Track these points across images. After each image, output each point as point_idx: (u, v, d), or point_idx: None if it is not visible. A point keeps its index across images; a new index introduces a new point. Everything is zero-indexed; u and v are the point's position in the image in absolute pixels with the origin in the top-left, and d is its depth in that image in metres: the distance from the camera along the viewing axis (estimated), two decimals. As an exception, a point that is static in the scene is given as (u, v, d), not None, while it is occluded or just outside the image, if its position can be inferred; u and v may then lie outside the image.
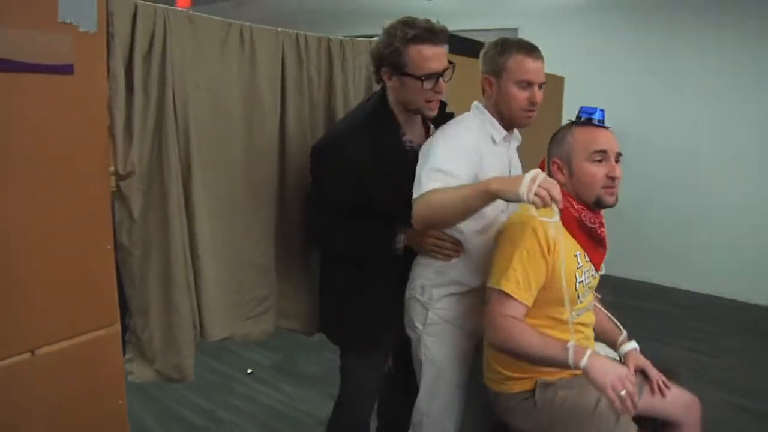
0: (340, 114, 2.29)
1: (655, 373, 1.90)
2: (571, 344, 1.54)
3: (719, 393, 3.55)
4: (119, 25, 1.62)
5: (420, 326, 2.00)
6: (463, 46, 5.97)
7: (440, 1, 5.85)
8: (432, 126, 2.03)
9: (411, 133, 1.99)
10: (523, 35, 6.25)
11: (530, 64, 1.85)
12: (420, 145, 1.89)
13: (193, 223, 1.88)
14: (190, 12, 1.81)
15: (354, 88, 2.37)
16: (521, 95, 1.87)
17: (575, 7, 5.92)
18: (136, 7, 1.66)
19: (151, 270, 1.83)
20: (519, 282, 1.63)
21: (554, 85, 3.94)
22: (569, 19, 5.93)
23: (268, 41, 2.06)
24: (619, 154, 1.76)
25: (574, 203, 1.77)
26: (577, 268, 1.76)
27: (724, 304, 5.22)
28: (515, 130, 2.03)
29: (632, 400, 1.47)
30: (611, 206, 1.78)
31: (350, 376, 2.20)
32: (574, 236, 1.76)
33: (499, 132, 1.94)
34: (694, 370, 3.61)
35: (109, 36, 1.61)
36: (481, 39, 6.94)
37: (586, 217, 1.77)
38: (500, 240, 1.76)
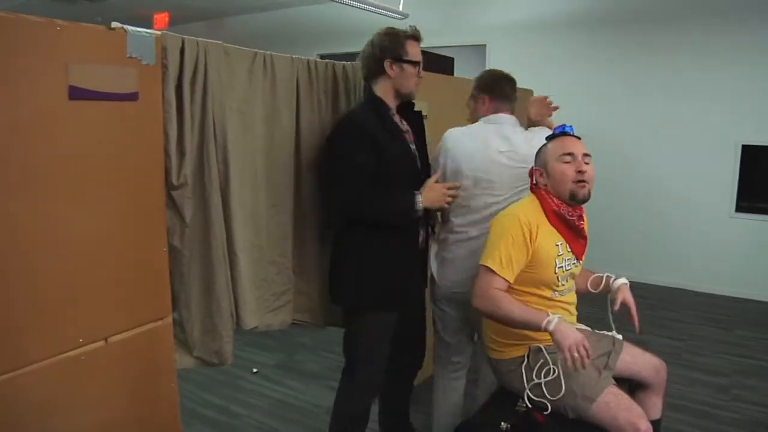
0: (346, 130, 2.61)
1: (634, 311, 2.25)
2: (547, 316, 1.90)
3: (688, 372, 3.98)
4: (171, 58, 1.90)
5: None
6: (433, 60, 6.33)
7: (411, 20, 6.19)
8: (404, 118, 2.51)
9: (396, 119, 2.45)
10: (492, 51, 6.70)
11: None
12: (405, 129, 2.47)
13: (230, 227, 2.16)
14: (225, 44, 2.09)
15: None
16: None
17: (540, 23, 6.37)
18: (183, 41, 1.94)
19: (196, 268, 2.10)
20: (502, 261, 2.01)
21: (523, 98, 4.25)
22: (535, 34, 6.38)
23: (285, 67, 2.36)
24: (585, 155, 2.13)
25: (554, 199, 2.12)
26: (558, 256, 2.11)
27: (689, 294, 5.75)
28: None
29: (582, 361, 1.82)
30: (585, 200, 2.13)
31: (359, 338, 2.45)
32: (555, 227, 2.11)
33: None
34: (667, 354, 3.99)
35: (164, 67, 1.89)
36: (451, 55, 7.31)
37: (564, 210, 2.11)
38: (492, 227, 2.12)
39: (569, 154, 2.10)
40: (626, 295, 2.27)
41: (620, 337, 2.29)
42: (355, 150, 2.23)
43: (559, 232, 2.11)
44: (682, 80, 5.75)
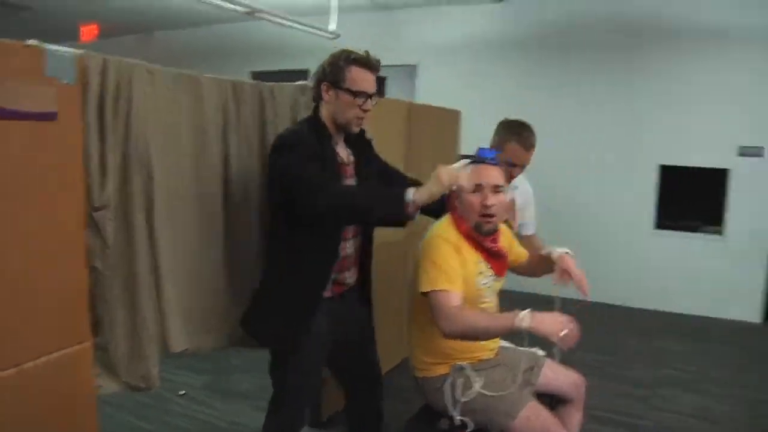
0: (271, 152, 2.60)
1: (577, 273, 2.24)
2: (516, 315, 1.85)
3: (612, 384, 4.13)
4: (92, 77, 1.88)
5: None
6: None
7: (342, 39, 6.23)
8: (351, 150, 2.33)
9: (339, 147, 2.28)
10: (422, 71, 6.82)
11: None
12: (344, 160, 2.25)
13: (156, 248, 2.13)
14: (149, 65, 2.08)
15: (282, 127, 2.66)
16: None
17: (470, 44, 6.56)
18: (104, 61, 1.92)
19: (120, 290, 2.06)
20: (450, 277, 2.01)
21: (451, 119, 4.36)
22: (465, 55, 6.54)
23: (211, 88, 2.35)
24: (496, 186, 2.13)
25: (465, 224, 2.16)
26: (479, 273, 2.16)
27: (614, 309, 5.99)
28: None
29: (570, 336, 1.78)
30: (490, 233, 2.16)
31: (281, 374, 2.32)
32: (472, 246, 2.16)
33: None
34: (593, 368, 4.14)
35: (84, 87, 1.86)
36: (382, 74, 7.38)
37: (474, 235, 2.16)
38: (422, 256, 2.12)
39: (478, 185, 2.11)
40: (567, 263, 2.24)
41: (543, 353, 2.37)
42: (305, 155, 2.07)
43: (478, 253, 2.17)
44: (605, 103, 6.02)
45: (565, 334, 1.76)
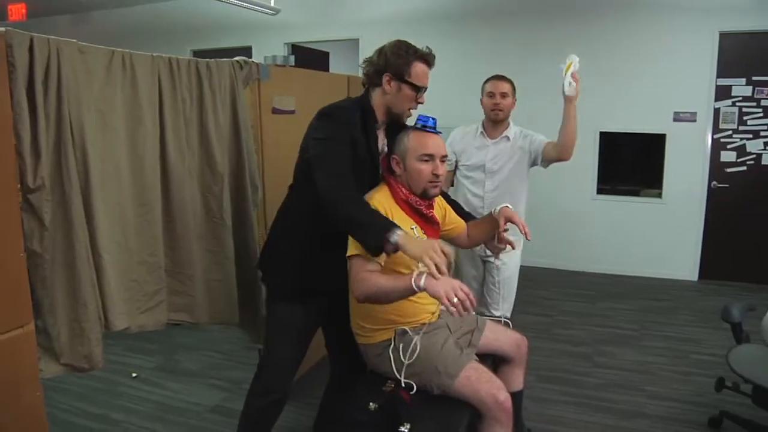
0: (212, 128, 2.59)
1: (519, 221, 2.31)
2: (414, 273, 1.87)
3: (555, 344, 4.30)
4: (18, 56, 1.84)
5: None
6: (308, 55, 6.38)
7: (284, 15, 6.18)
8: (387, 141, 2.38)
9: (380, 133, 2.35)
10: (364, 45, 6.82)
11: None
12: (376, 145, 2.31)
13: (93, 228, 2.12)
14: (79, 43, 2.04)
15: (221, 103, 2.66)
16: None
17: (412, 16, 6.57)
18: (32, 39, 1.88)
19: (60, 272, 2.04)
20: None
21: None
22: (408, 28, 6.52)
23: (145, 65, 2.32)
24: (444, 156, 2.22)
25: (403, 189, 2.21)
26: (414, 238, 2.19)
27: (558, 273, 6.20)
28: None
29: (464, 305, 1.76)
30: (434, 197, 2.25)
31: (268, 328, 2.44)
32: (406, 213, 2.20)
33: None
34: (538, 329, 4.28)
35: (11, 66, 1.82)
36: (325, 49, 7.35)
37: (413, 200, 2.21)
38: None
39: (429, 155, 2.17)
40: (508, 213, 2.34)
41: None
42: (339, 138, 2.12)
43: (411, 218, 2.21)
44: (545, 72, 6.11)
45: (456, 302, 1.76)
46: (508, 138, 3.38)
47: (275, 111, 3.08)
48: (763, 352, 2.84)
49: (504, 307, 3.46)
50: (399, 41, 2.27)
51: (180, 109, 2.49)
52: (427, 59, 2.26)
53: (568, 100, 3.04)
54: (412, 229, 2.19)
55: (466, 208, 3.03)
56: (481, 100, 3.43)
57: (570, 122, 3.10)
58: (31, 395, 1.98)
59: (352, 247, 2.07)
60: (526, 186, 3.45)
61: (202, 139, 2.57)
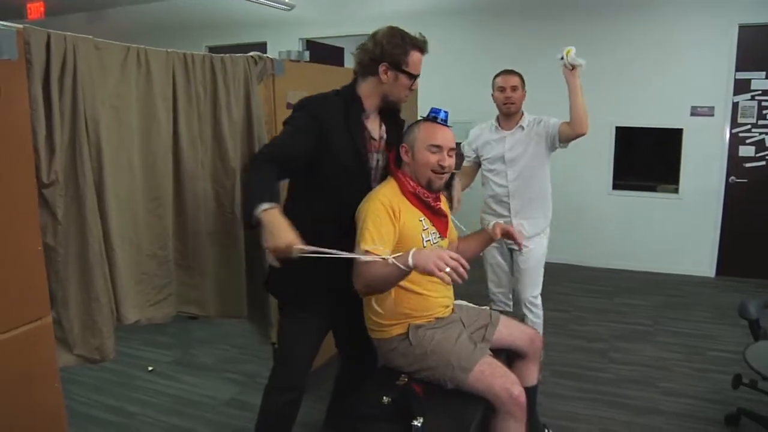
0: (225, 123, 2.59)
1: (515, 232, 2.43)
2: (397, 255, 1.91)
3: (571, 340, 4.29)
4: (36, 53, 1.86)
5: None
6: (322, 51, 6.38)
7: (298, 10, 6.19)
8: (386, 127, 2.38)
9: (371, 121, 2.34)
10: (378, 41, 6.76)
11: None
12: (373, 136, 2.31)
13: (106, 222, 2.13)
14: (95, 39, 2.06)
15: (235, 98, 2.66)
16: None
17: (423, 11, 6.53)
18: (48, 36, 1.89)
19: (73, 265, 2.06)
20: (374, 239, 2.05)
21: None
22: (418, 22, 6.45)
23: (160, 61, 2.33)
24: (452, 149, 2.24)
25: (410, 182, 2.23)
26: (423, 230, 2.22)
27: (575, 269, 6.16)
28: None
29: (458, 272, 1.78)
30: (439, 189, 2.27)
31: (282, 333, 2.42)
32: (414, 206, 2.22)
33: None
34: (554, 325, 4.26)
35: (28, 63, 1.84)
36: (339, 45, 7.36)
37: (420, 192, 2.22)
38: (358, 214, 2.16)
39: (437, 146, 2.20)
40: (502, 226, 2.44)
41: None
42: (293, 128, 2.16)
43: (420, 211, 2.23)
44: (560, 67, 6.07)
45: (448, 271, 1.77)
46: (522, 128, 3.47)
47: (289, 106, 3.08)
48: (780, 348, 2.82)
49: (532, 292, 3.60)
50: (392, 28, 2.26)
51: (194, 104, 2.49)
52: (422, 47, 2.27)
53: (570, 74, 3.21)
54: (421, 220, 2.20)
55: (493, 200, 3.53)
56: (492, 95, 3.52)
57: (576, 96, 3.25)
58: (51, 386, 2.01)
59: (359, 241, 2.09)
60: (547, 171, 3.54)
61: (215, 133, 2.58)
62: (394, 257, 1.90)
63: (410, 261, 1.84)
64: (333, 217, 2.22)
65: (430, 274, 1.80)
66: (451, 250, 2.47)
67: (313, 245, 2.12)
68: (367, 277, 2.00)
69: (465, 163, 3.72)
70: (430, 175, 2.21)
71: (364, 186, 2.28)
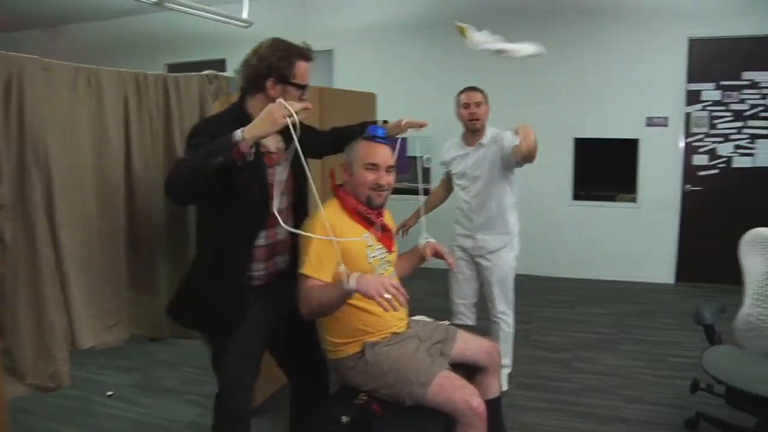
0: (178, 142, 2.56)
1: (446, 252, 2.44)
2: (344, 277, 1.92)
3: (535, 351, 4.31)
4: (-23, 74, 1.82)
5: None
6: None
7: (257, 27, 6.14)
8: (282, 137, 2.27)
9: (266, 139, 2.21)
10: (338, 56, 6.82)
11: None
12: (273, 151, 2.22)
13: (58, 245, 2.09)
14: (43, 59, 2.02)
15: (189, 118, 2.64)
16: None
17: (385, 27, 6.61)
18: (-10, 57, 1.86)
19: (23, 291, 2.02)
20: (314, 264, 2.07)
21: (367, 101, 4.40)
22: (381, 38, 6.58)
23: (112, 81, 2.31)
24: (390, 167, 2.25)
25: (352, 199, 2.24)
26: (368, 246, 2.23)
27: (537, 279, 6.21)
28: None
29: (398, 300, 1.83)
30: (380, 206, 2.27)
31: (216, 368, 2.34)
32: (357, 222, 2.23)
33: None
34: (518, 337, 4.23)
35: (-30, 84, 1.81)
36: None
37: (362, 209, 2.24)
38: (300, 238, 2.16)
39: (374, 164, 2.22)
40: (432, 245, 2.44)
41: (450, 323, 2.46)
42: (202, 142, 2.00)
43: (364, 228, 2.24)
44: (520, 80, 6.18)
45: (388, 298, 1.82)
46: (482, 145, 3.51)
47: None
48: (735, 353, 2.87)
49: (501, 305, 3.62)
50: (275, 40, 2.19)
51: (146, 124, 2.47)
52: (307, 55, 2.18)
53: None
54: (365, 237, 2.20)
55: (460, 212, 3.63)
56: (457, 112, 3.56)
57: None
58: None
59: (301, 265, 2.08)
60: (506, 188, 3.59)
61: (168, 153, 2.55)
62: (335, 281, 1.95)
63: (353, 284, 1.88)
64: (240, 234, 2.15)
65: (371, 298, 1.84)
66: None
67: (218, 269, 2.16)
68: (312, 303, 2.02)
69: (443, 175, 3.84)
70: (369, 193, 2.22)
71: (264, 200, 2.16)
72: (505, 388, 3.58)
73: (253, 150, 1.87)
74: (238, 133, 1.83)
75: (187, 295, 2.27)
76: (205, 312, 2.21)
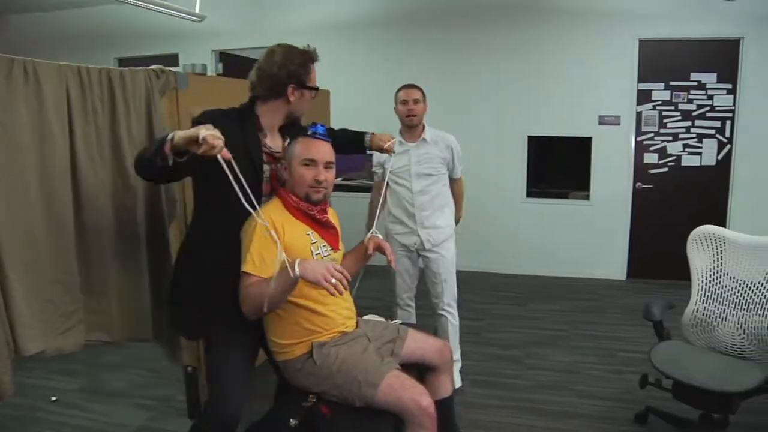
0: (125, 138, 2.50)
1: (388, 247, 2.39)
2: (286, 265, 1.89)
3: (487, 348, 4.33)
4: None
5: None
6: (237, 63, 6.24)
7: (211, 22, 6.04)
8: (286, 136, 2.35)
9: (271, 138, 2.29)
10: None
11: None
12: (275, 150, 2.27)
13: (-1, 251, 2.01)
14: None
15: (135, 113, 2.58)
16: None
17: (341, 23, 6.57)
18: None
19: (-43, 295, 1.93)
20: (255, 262, 2.02)
21: (322, 99, 4.36)
22: (337, 35, 6.52)
23: (51, 74, 2.22)
24: (328, 163, 2.22)
25: (293, 197, 2.19)
26: (312, 244, 2.19)
27: (489, 276, 6.26)
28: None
29: (342, 284, 1.86)
30: (319, 203, 2.23)
31: (211, 371, 2.30)
32: (299, 220, 2.19)
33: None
34: (468, 334, 4.27)
35: None
36: (256, 57, 7.22)
37: (304, 206, 2.20)
38: (242, 234, 2.12)
39: (311, 159, 2.18)
40: (376, 240, 2.41)
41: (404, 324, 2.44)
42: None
43: (306, 225, 2.20)
44: (473, 78, 6.22)
45: (334, 282, 1.84)
46: (425, 140, 3.60)
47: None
48: (682, 348, 2.94)
49: (450, 298, 3.70)
50: (286, 47, 2.26)
51: (91, 119, 2.39)
52: (316, 58, 2.31)
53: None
54: (308, 234, 2.18)
55: (399, 210, 3.61)
56: (395, 108, 3.63)
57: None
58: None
59: (242, 263, 2.05)
60: (447, 181, 3.70)
61: (114, 150, 2.48)
62: (278, 272, 1.91)
63: (297, 270, 1.86)
64: (231, 230, 2.15)
65: (317, 283, 1.84)
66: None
67: (215, 257, 2.16)
68: (257, 302, 1.97)
69: (375, 179, 3.80)
70: (307, 190, 2.18)
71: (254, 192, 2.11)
72: (459, 384, 3.62)
73: (171, 157, 1.85)
74: (170, 135, 1.85)
75: (178, 297, 2.29)
76: (194, 315, 2.24)
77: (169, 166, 1.87)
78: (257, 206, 1.98)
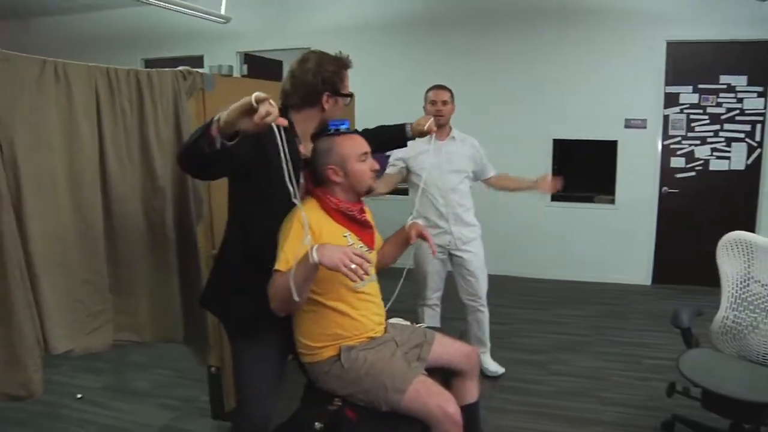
0: (153, 140, 2.51)
1: (429, 236, 2.44)
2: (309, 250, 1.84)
3: (512, 353, 4.28)
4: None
5: None
6: (261, 65, 6.26)
7: (236, 23, 6.07)
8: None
9: (305, 145, 2.25)
10: (317, 55, 6.70)
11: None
12: (306, 155, 2.23)
13: (28, 247, 2.02)
14: (4, 51, 1.95)
15: (163, 114, 2.59)
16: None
17: (365, 25, 6.58)
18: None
19: (-9, 297, 1.94)
20: (289, 261, 1.96)
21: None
22: (360, 36, 6.52)
23: (81, 75, 2.24)
24: (366, 152, 2.24)
25: (332, 198, 2.17)
26: (349, 246, 2.13)
27: (514, 281, 6.21)
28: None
29: (363, 268, 1.80)
30: (373, 190, 2.26)
31: (235, 365, 2.28)
32: (339, 222, 2.16)
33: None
34: (494, 339, 4.22)
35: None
36: (279, 58, 7.24)
37: (344, 207, 2.18)
38: (279, 237, 2.08)
39: (365, 153, 2.21)
40: (417, 228, 2.44)
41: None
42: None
43: (345, 227, 2.18)
44: (499, 81, 6.18)
45: (353, 268, 1.79)
46: (454, 138, 3.77)
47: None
48: (711, 356, 2.88)
49: (483, 293, 3.87)
50: (319, 54, 2.22)
51: (120, 120, 2.41)
52: (349, 65, 2.27)
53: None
54: (346, 236, 2.15)
55: (431, 213, 3.68)
56: (424, 107, 3.74)
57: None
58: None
59: (276, 262, 1.99)
60: (470, 182, 3.87)
61: (143, 151, 2.50)
62: (302, 257, 1.86)
63: (315, 256, 1.80)
64: (267, 236, 2.09)
65: (334, 269, 1.79)
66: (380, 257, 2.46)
67: (252, 263, 2.11)
68: (280, 291, 1.91)
69: (389, 170, 3.78)
70: (369, 182, 2.22)
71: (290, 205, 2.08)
72: (501, 370, 3.93)
73: (218, 140, 1.73)
74: (215, 117, 1.72)
75: (218, 285, 2.26)
76: (233, 303, 2.20)
77: (217, 150, 1.74)
78: (297, 194, 1.92)
